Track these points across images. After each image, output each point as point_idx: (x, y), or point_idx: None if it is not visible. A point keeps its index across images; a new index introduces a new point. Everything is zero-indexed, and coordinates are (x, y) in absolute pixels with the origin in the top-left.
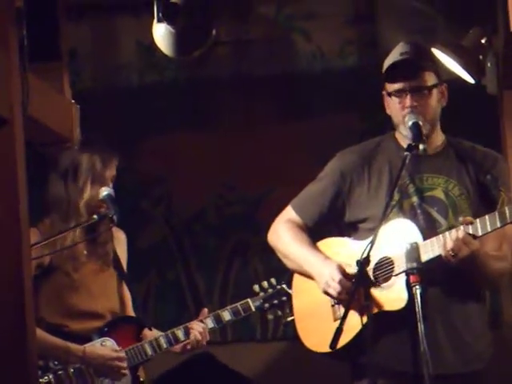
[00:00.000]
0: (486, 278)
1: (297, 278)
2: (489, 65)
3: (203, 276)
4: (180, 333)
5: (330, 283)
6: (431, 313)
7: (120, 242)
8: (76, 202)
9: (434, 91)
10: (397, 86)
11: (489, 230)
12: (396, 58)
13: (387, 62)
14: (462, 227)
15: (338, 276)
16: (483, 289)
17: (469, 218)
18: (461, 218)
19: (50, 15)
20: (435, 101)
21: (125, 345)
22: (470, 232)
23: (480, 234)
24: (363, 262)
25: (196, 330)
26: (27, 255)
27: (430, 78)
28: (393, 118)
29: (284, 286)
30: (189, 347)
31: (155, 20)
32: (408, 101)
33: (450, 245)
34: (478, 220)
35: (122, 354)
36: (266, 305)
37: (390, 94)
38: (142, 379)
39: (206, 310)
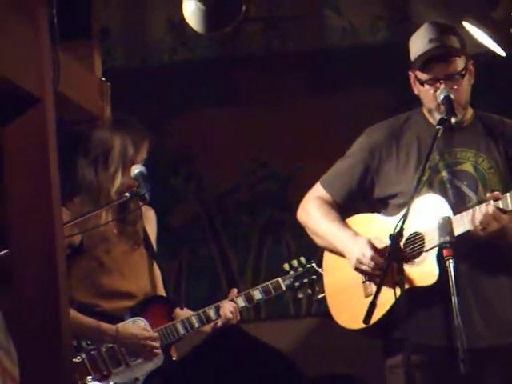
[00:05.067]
0: None
1: (327, 255)
2: None
3: (236, 253)
4: (211, 312)
5: (361, 260)
6: (463, 286)
7: (149, 221)
8: (107, 188)
9: (466, 74)
10: (429, 74)
11: None
12: (426, 46)
13: (417, 50)
14: (491, 202)
15: (369, 252)
16: None
17: (496, 193)
18: (488, 194)
19: None
20: (467, 83)
21: (156, 324)
22: (501, 206)
23: (510, 208)
24: (396, 237)
25: (226, 308)
26: (60, 234)
27: (461, 63)
28: (424, 103)
29: (314, 264)
30: (219, 325)
31: None
32: (441, 88)
33: (479, 219)
34: (508, 194)
35: (155, 334)
36: (297, 283)
37: (422, 83)
38: (174, 358)
39: (235, 290)
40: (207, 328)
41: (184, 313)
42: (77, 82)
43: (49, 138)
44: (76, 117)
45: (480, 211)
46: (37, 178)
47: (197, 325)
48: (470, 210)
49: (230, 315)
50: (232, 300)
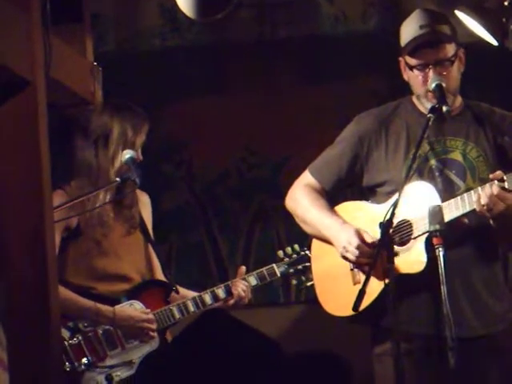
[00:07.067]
0: None
1: (315, 242)
2: None
3: (225, 239)
4: (220, 291)
5: (347, 248)
6: (451, 275)
7: (145, 205)
8: (107, 169)
9: (455, 61)
10: (419, 60)
11: None
12: (416, 31)
13: (407, 36)
14: (496, 182)
15: (355, 241)
16: None
17: (499, 173)
18: (491, 175)
19: None
20: (456, 70)
21: (152, 308)
22: (506, 186)
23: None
24: (386, 225)
25: (239, 286)
26: (50, 218)
27: (451, 49)
28: (413, 89)
29: (307, 251)
30: (231, 303)
31: None
32: (431, 74)
33: (484, 200)
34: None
35: (152, 316)
36: (291, 270)
37: (411, 68)
38: (169, 342)
39: (243, 267)
40: (215, 306)
41: (180, 296)
42: (68, 66)
43: (39, 121)
44: (67, 101)
45: (485, 193)
46: (27, 160)
47: (192, 309)
48: (464, 195)
49: (243, 294)
50: (243, 279)
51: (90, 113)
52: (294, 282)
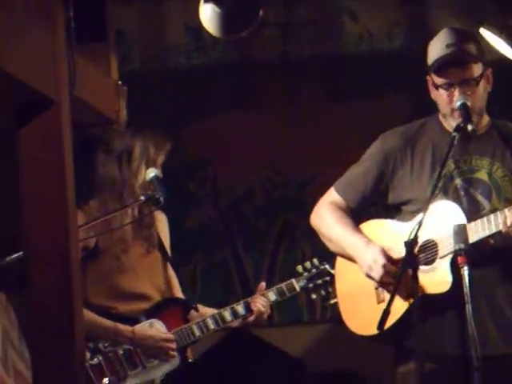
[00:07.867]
0: None
1: (339, 260)
2: None
3: (250, 258)
4: (240, 308)
5: (372, 267)
6: (475, 294)
7: (162, 224)
8: (131, 183)
9: (482, 81)
10: (445, 79)
11: None
12: (443, 50)
13: (433, 54)
14: None
15: (381, 260)
16: None
17: None
18: None
19: None
20: (482, 90)
21: (172, 326)
22: None
23: None
24: (411, 244)
25: (259, 302)
26: (74, 237)
27: (477, 69)
28: (439, 107)
29: (327, 266)
30: (251, 319)
31: (202, 0)
32: (457, 93)
33: (510, 221)
34: None
35: (171, 335)
36: (311, 285)
37: (437, 87)
38: (190, 360)
39: (263, 284)
40: (235, 323)
41: (198, 314)
42: (93, 85)
43: (64, 140)
44: (92, 120)
45: (511, 213)
46: (52, 180)
47: (212, 326)
48: (491, 216)
49: (263, 309)
50: (263, 295)
51: (113, 132)
52: (314, 296)
